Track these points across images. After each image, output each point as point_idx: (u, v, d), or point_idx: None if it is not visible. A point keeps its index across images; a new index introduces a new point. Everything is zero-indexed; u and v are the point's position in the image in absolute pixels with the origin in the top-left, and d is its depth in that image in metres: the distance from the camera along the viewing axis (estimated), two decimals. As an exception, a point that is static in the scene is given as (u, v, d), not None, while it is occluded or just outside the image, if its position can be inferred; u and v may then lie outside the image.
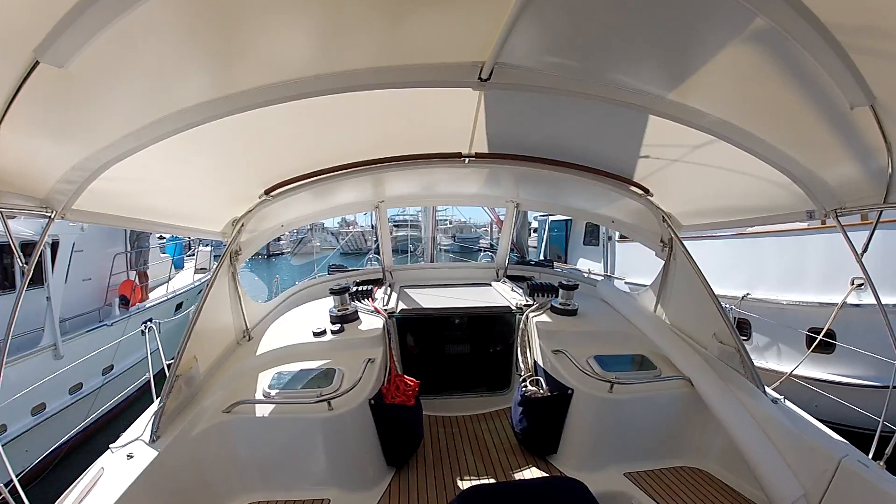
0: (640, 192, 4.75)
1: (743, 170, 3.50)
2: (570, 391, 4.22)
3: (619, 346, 4.81)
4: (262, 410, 3.72)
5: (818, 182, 3.16)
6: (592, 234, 21.35)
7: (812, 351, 7.45)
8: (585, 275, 10.36)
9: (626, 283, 16.33)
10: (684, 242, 4.74)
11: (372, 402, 3.93)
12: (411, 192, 6.47)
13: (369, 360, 4.25)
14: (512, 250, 15.59)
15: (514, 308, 5.57)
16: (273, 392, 3.85)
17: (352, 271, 7.37)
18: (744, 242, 10.77)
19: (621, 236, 17.89)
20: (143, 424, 3.44)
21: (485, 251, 32.60)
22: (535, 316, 5.23)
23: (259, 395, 3.86)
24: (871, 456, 3.22)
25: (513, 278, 7.31)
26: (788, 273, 9.87)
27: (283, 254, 48.11)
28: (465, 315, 5.69)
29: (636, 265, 16.58)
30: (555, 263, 16.74)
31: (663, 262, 5.19)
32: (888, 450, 3.13)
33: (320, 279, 7.01)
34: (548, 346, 4.74)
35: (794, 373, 7.53)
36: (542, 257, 23.89)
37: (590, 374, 4.21)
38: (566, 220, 23.81)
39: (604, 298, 6.01)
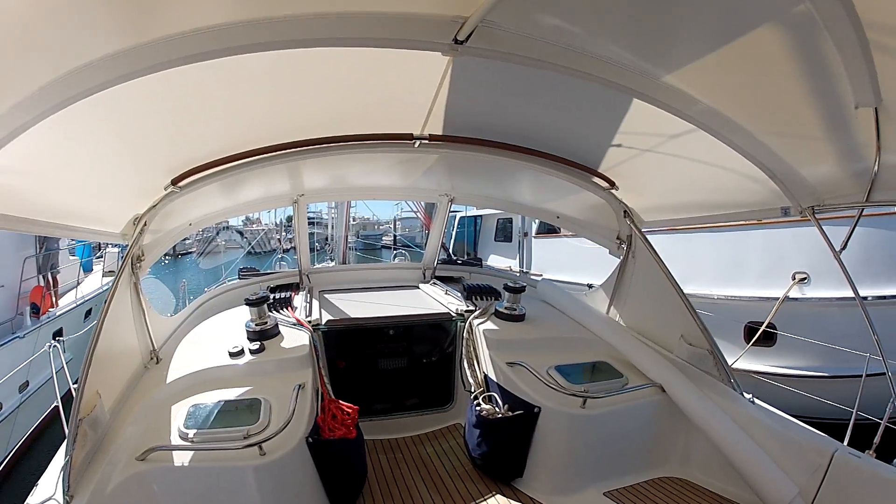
0: (604, 184, 4.44)
1: (717, 163, 3.42)
2: (536, 409, 3.81)
3: (578, 354, 4.50)
4: (182, 457, 3.06)
5: (797, 178, 3.14)
6: (504, 231, 21.22)
7: (752, 344, 7.42)
8: (521, 274, 10.11)
9: (542, 279, 15.75)
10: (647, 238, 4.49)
11: (310, 439, 3.33)
12: (335, 184, 5.95)
13: (299, 385, 3.66)
14: (443, 249, 15.29)
15: (454, 314, 5.12)
16: (191, 432, 3.18)
17: (265, 275, 6.69)
18: (679, 238, 10.84)
19: (539, 232, 17.85)
20: (52, 481, 2.82)
21: (392, 249, 32.09)
22: (480, 323, 4.83)
23: (175, 437, 3.20)
24: (845, 443, 3.27)
25: (442, 279, 6.87)
26: (725, 268, 10.00)
27: (189, 254, 45.55)
28: (401, 325, 5.13)
29: (554, 261, 16.54)
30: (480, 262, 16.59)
31: (618, 260, 4.95)
32: (876, 439, 3.17)
33: (231, 285, 6.30)
34: (500, 358, 4.33)
35: (733, 365, 7.55)
36: (448, 255, 23.46)
37: (556, 389, 3.84)
38: (474, 217, 23.79)
39: (547, 300, 5.69)
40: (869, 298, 8.32)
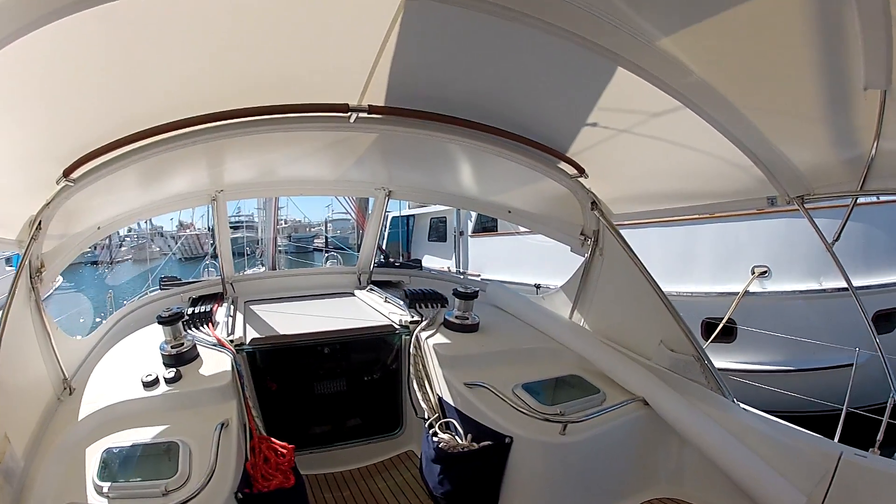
0: (571, 171, 3.99)
1: (699, 148, 3.20)
2: (507, 439, 3.27)
3: (544, 368, 4.03)
4: None
5: (785, 165, 2.98)
6: (438, 231, 21.18)
7: (711, 340, 7.48)
8: (458, 274, 10.00)
9: (481, 279, 15.77)
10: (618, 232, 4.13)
11: (240, 495, 2.72)
12: (259, 177, 5.39)
13: (222, 424, 3.04)
14: (380, 250, 14.85)
15: (397, 326, 4.55)
16: (106, 486, 2.62)
17: (186, 284, 5.99)
18: (624, 233, 10.60)
19: (476, 230, 17.70)
20: None
21: (324, 251, 31.73)
22: (428, 336, 4.31)
23: (91, 493, 2.64)
24: (836, 439, 3.23)
25: (379, 285, 6.31)
26: (676, 264, 9.94)
27: (124, 261, 44.07)
28: (336, 341, 4.52)
29: (493, 261, 16.36)
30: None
31: (583, 258, 4.54)
32: (879, 436, 3.05)
33: (151, 297, 5.59)
34: (456, 377, 3.79)
35: None
36: (384, 257, 23.52)
37: (528, 413, 3.33)
38: (407, 217, 23.59)
39: (499, 305, 5.25)
40: (828, 290, 8.49)
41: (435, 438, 3.50)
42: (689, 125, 2.79)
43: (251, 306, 5.31)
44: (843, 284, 7.93)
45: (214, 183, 5.21)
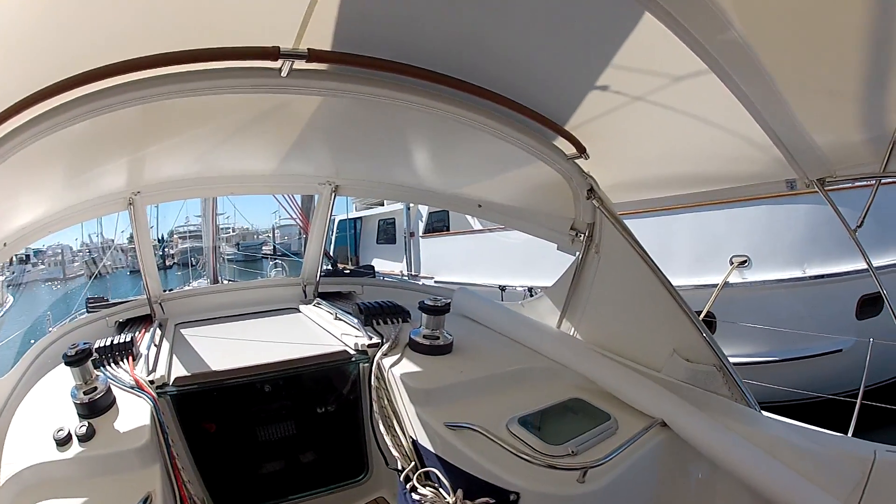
0: (570, 150, 3.47)
1: (718, 124, 2.96)
2: (512, 496, 2.60)
3: (539, 393, 3.38)
4: None
5: (805, 144, 2.77)
6: (386, 233, 20.93)
7: None
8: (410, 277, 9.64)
9: (435, 282, 15.61)
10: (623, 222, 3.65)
11: None
12: (180, 172, 4.68)
13: (145, 499, 2.41)
14: (327, 257, 14.33)
15: (352, 351, 3.83)
16: None
17: (115, 305, 5.19)
18: None
19: (427, 231, 17.46)
20: None
21: (269, 258, 31.32)
22: (392, 362, 3.59)
23: None
24: (851, 431, 3.16)
25: (328, 297, 5.63)
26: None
27: (78, 276, 43.89)
28: (279, 376, 3.78)
29: (447, 262, 16.08)
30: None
31: (574, 256, 4.00)
32: None
33: (75, 324, 4.81)
34: (433, 416, 3.10)
35: None
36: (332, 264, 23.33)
37: (533, 459, 2.64)
38: (353, 219, 23.35)
39: (469, 315, 4.57)
40: (810, 278, 8.53)
41: (415, 496, 2.81)
42: (710, 95, 2.54)
43: (182, 330, 4.58)
44: (828, 271, 8.46)
45: (131, 183, 4.50)
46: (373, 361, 3.69)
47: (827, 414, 5.23)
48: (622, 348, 3.75)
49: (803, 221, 8.75)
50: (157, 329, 4.40)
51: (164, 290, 5.33)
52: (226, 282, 14.08)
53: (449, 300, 3.89)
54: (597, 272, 3.85)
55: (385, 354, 3.69)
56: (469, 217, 16.85)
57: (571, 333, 4.06)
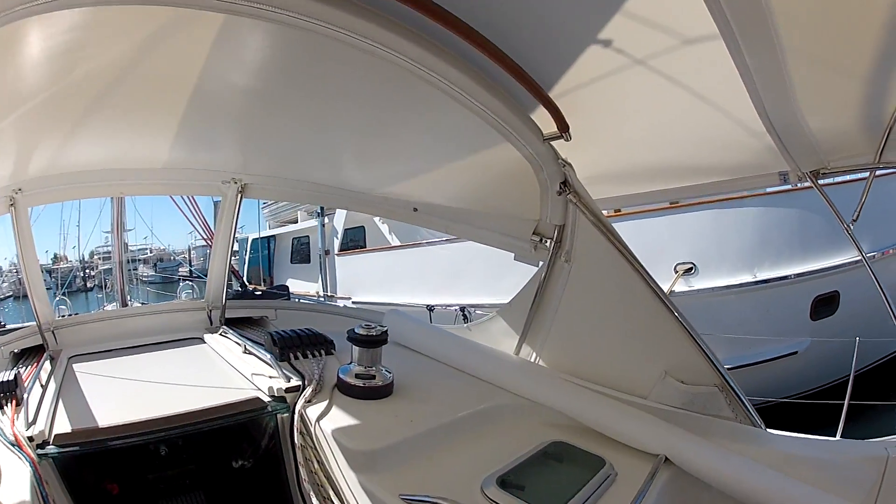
0: (549, 128, 2.96)
1: (714, 103, 2.77)
2: None
3: (511, 440, 2.76)
4: None
5: (801, 130, 2.70)
6: (301, 252, 20.46)
7: None
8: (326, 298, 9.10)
9: (353, 302, 15.13)
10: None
11: None
12: (53, 158, 3.93)
13: None
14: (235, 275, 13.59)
15: (267, 398, 3.07)
16: None
17: (9, 333, 4.61)
18: None
19: (343, 248, 16.99)
20: None
21: (181, 280, 30.74)
22: (320, 413, 2.82)
23: None
24: (839, 434, 3.25)
25: (236, 323, 4.87)
26: None
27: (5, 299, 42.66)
28: (179, 435, 2.99)
29: (364, 281, 15.60)
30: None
31: (538, 267, 3.48)
32: None
33: None
34: (383, 487, 2.41)
35: None
36: (241, 284, 22.74)
37: None
38: (267, 238, 22.82)
39: (406, 343, 3.83)
40: (760, 282, 8.61)
41: None
42: (710, 69, 2.40)
43: (75, 365, 3.85)
44: (779, 274, 8.37)
45: (13, 176, 3.88)
46: (294, 411, 2.93)
47: (783, 417, 5.24)
48: (598, 374, 3.25)
49: (752, 225, 8.78)
50: (47, 363, 3.78)
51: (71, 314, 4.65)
52: (137, 304, 13.80)
53: (385, 328, 3.14)
54: (567, 285, 3.31)
55: (309, 401, 2.93)
56: (386, 233, 16.49)
57: (534, 360, 3.51)
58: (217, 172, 4.60)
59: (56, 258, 49.50)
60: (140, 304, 14.53)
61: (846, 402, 4.13)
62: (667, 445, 2.64)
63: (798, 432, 2.87)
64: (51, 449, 2.66)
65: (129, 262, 22.66)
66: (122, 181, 4.53)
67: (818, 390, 8.93)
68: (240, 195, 4.68)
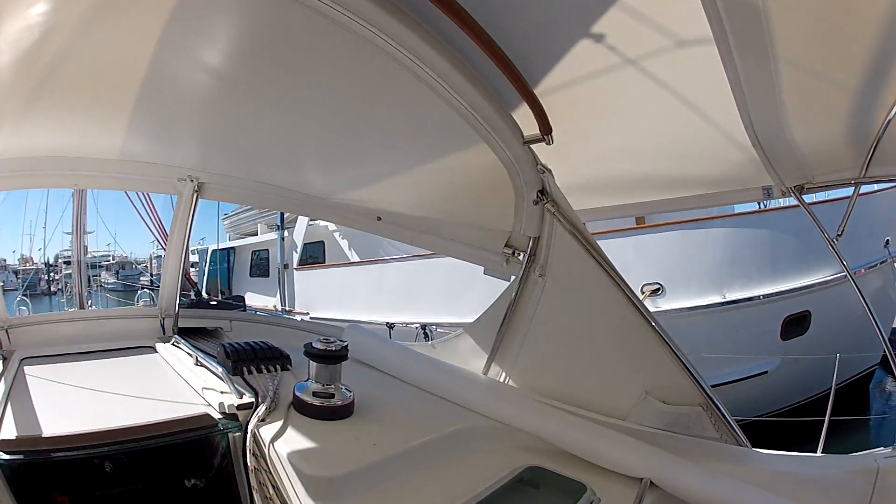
0: (531, 130, 2.81)
1: (701, 110, 2.67)
2: None
3: (483, 465, 2.61)
4: None
5: (786, 143, 2.69)
6: (260, 265, 20.09)
7: None
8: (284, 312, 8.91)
9: (311, 317, 14.87)
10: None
11: None
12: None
13: None
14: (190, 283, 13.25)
15: (218, 416, 2.84)
16: None
17: None
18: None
19: (302, 263, 16.80)
20: None
21: (144, 288, 30.58)
22: (274, 433, 2.60)
23: None
24: (820, 449, 3.32)
25: (189, 334, 4.60)
26: None
27: None
28: (123, 452, 2.72)
29: (323, 297, 15.46)
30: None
31: (509, 282, 3.32)
32: None
33: None
34: None
35: None
36: (204, 295, 22.16)
37: None
38: (227, 250, 22.48)
39: (367, 361, 3.63)
40: (725, 301, 8.67)
41: None
42: (700, 74, 2.35)
43: (27, 367, 3.67)
44: (748, 294, 8.37)
45: None
46: (246, 430, 2.70)
47: (757, 435, 5.58)
48: (572, 395, 3.11)
49: (721, 246, 8.84)
50: (2, 360, 3.71)
51: None
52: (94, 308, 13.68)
53: (345, 342, 2.90)
54: (540, 301, 3.15)
55: (262, 420, 2.70)
56: (346, 248, 16.37)
57: (503, 380, 3.35)
58: (173, 168, 4.34)
59: (22, 259, 50.15)
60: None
61: (827, 417, 4.14)
62: (651, 468, 2.55)
63: (780, 450, 2.83)
64: (3, 459, 2.51)
65: (90, 267, 22.06)
66: (73, 171, 4.27)
67: (789, 409, 9.00)
68: (196, 195, 4.45)
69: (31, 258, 48.51)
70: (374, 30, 2.16)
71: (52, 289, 45.47)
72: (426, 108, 2.65)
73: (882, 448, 2.89)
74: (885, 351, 3.20)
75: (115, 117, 3.47)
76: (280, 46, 2.56)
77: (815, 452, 3.09)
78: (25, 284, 28.27)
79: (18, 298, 13.43)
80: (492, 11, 2.17)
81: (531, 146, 2.84)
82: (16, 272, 47.62)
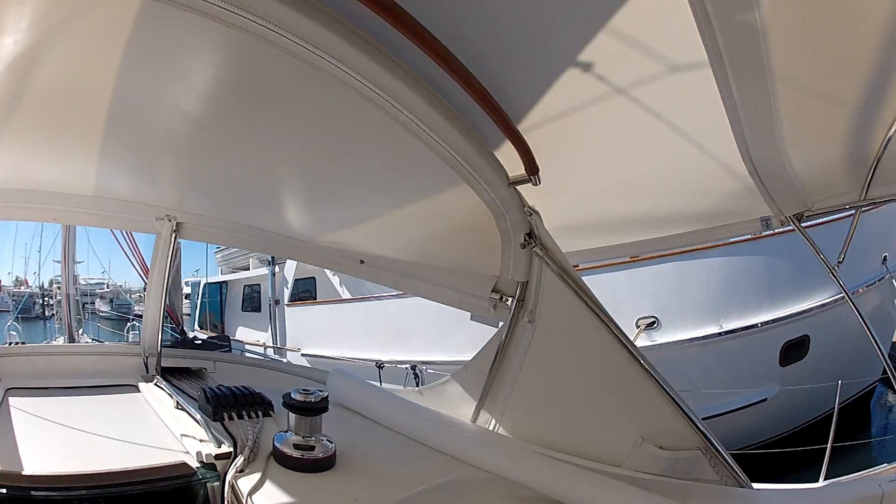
0: (515, 171, 2.71)
1: (695, 141, 2.55)
2: None
3: None
4: None
5: (784, 171, 2.59)
6: (252, 300, 20.12)
7: None
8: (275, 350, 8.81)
9: (302, 354, 15.15)
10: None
11: None
12: None
13: None
14: (168, 320, 13.08)
15: (196, 465, 2.69)
16: None
17: None
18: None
19: (293, 299, 16.75)
20: None
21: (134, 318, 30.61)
22: (252, 485, 2.46)
23: None
24: (822, 476, 3.22)
25: (172, 374, 4.50)
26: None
27: None
28: (100, 495, 2.61)
29: (314, 333, 15.39)
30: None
31: (497, 328, 3.24)
32: None
33: None
34: None
35: None
36: (196, 327, 22.46)
37: None
38: (220, 283, 22.73)
39: (351, 406, 3.53)
40: (723, 332, 8.61)
41: None
42: (692, 107, 2.30)
43: (12, 398, 3.63)
44: (746, 323, 8.34)
45: None
46: (224, 480, 2.59)
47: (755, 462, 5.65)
48: (564, 443, 3.01)
49: (716, 275, 8.82)
50: None
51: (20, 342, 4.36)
52: (87, 339, 13.50)
53: (325, 394, 2.77)
54: (530, 348, 3.05)
55: (241, 471, 2.57)
56: (337, 285, 16.36)
57: (492, 428, 3.24)
58: (151, 207, 4.24)
59: (17, 282, 50.39)
60: (90, 340, 14.53)
61: (829, 445, 4.10)
62: None
63: (774, 476, 2.87)
64: None
65: (85, 294, 21.93)
66: (51, 206, 4.18)
67: (789, 434, 8.98)
68: (174, 235, 4.33)
69: (26, 281, 48.60)
70: (346, 69, 2.05)
71: (47, 313, 44.88)
72: (405, 150, 2.55)
73: (885, 465, 2.95)
74: (884, 367, 3.19)
75: (86, 153, 3.38)
76: (253, 89, 2.49)
77: (820, 476, 3.10)
78: (18, 308, 28.21)
79: (9, 323, 13.32)
80: (470, 43, 2.05)
81: (516, 187, 2.74)
82: (12, 295, 47.08)
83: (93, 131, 3.00)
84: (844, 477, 2.87)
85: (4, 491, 2.43)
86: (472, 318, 3.36)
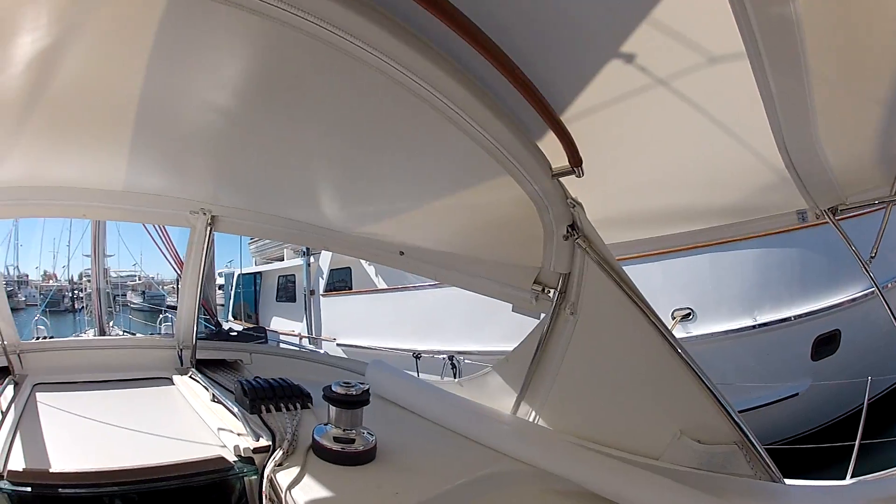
0: (559, 162, 2.64)
1: (735, 133, 2.52)
2: None
3: None
4: None
5: (819, 166, 2.54)
6: (286, 290, 20.05)
7: None
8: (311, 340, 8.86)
9: (337, 344, 15.06)
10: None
11: None
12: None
13: None
14: (208, 312, 13.10)
15: (233, 458, 2.69)
16: None
17: None
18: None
19: (328, 289, 16.69)
20: None
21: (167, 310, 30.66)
22: (291, 479, 2.45)
23: None
24: (850, 474, 3.09)
25: (207, 366, 4.52)
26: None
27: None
28: (134, 491, 2.60)
29: (349, 323, 15.32)
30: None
31: (539, 320, 3.18)
32: None
33: None
34: None
35: None
36: (230, 318, 22.24)
37: None
38: (254, 274, 22.59)
39: (390, 398, 3.53)
40: (757, 324, 8.51)
41: None
42: (729, 99, 2.27)
43: (39, 394, 3.58)
44: (779, 316, 8.78)
45: None
46: (262, 474, 2.58)
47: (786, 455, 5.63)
48: (604, 435, 2.97)
49: (751, 267, 8.69)
50: (10, 388, 3.55)
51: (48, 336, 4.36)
52: (119, 331, 13.89)
53: (366, 386, 2.77)
54: (571, 340, 3.01)
55: (279, 465, 2.57)
56: (373, 275, 16.26)
57: (532, 420, 3.21)
58: (185, 201, 4.26)
59: (45, 276, 51.25)
60: (122, 332, 14.49)
61: (857, 441, 4.05)
62: None
63: (803, 472, 2.79)
64: (4, 484, 2.43)
65: (116, 287, 22.01)
66: (80, 202, 4.21)
67: (819, 429, 8.87)
68: (209, 228, 4.34)
69: (55, 274, 49.02)
70: (389, 60, 2.05)
71: (76, 306, 44.73)
72: (447, 142, 2.56)
73: None
74: None
75: (116, 149, 3.39)
76: (289, 82, 2.50)
77: (847, 473, 3.03)
78: (46, 301, 28.32)
79: (37, 317, 13.35)
80: (511, 35, 2.04)
81: (560, 179, 2.72)
82: (37, 288, 48.43)
83: (122, 127, 3.02)
84: (872, 475, 2.79)
85: (30, 489, 2.43)
86: (513, 311, 3.33)
